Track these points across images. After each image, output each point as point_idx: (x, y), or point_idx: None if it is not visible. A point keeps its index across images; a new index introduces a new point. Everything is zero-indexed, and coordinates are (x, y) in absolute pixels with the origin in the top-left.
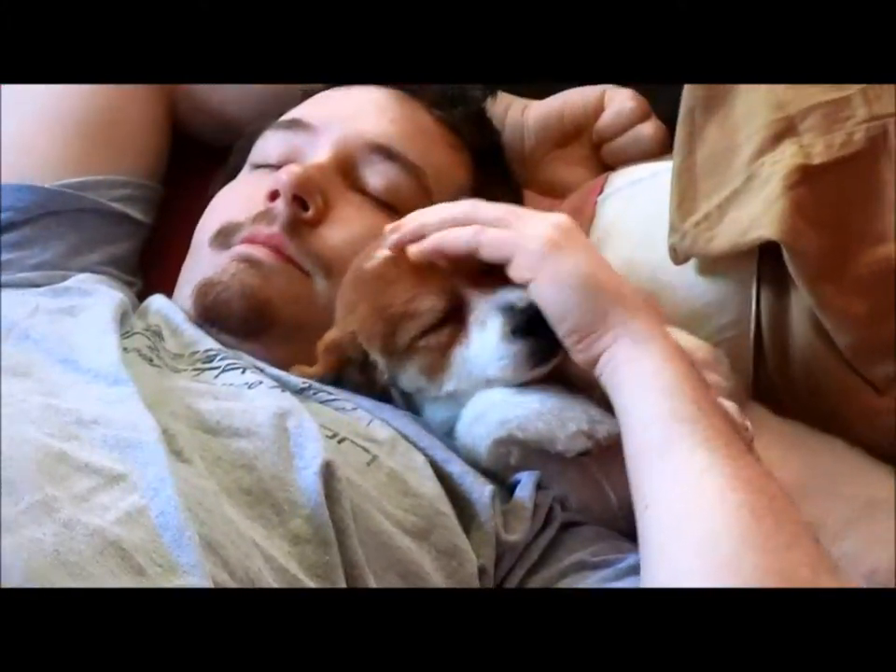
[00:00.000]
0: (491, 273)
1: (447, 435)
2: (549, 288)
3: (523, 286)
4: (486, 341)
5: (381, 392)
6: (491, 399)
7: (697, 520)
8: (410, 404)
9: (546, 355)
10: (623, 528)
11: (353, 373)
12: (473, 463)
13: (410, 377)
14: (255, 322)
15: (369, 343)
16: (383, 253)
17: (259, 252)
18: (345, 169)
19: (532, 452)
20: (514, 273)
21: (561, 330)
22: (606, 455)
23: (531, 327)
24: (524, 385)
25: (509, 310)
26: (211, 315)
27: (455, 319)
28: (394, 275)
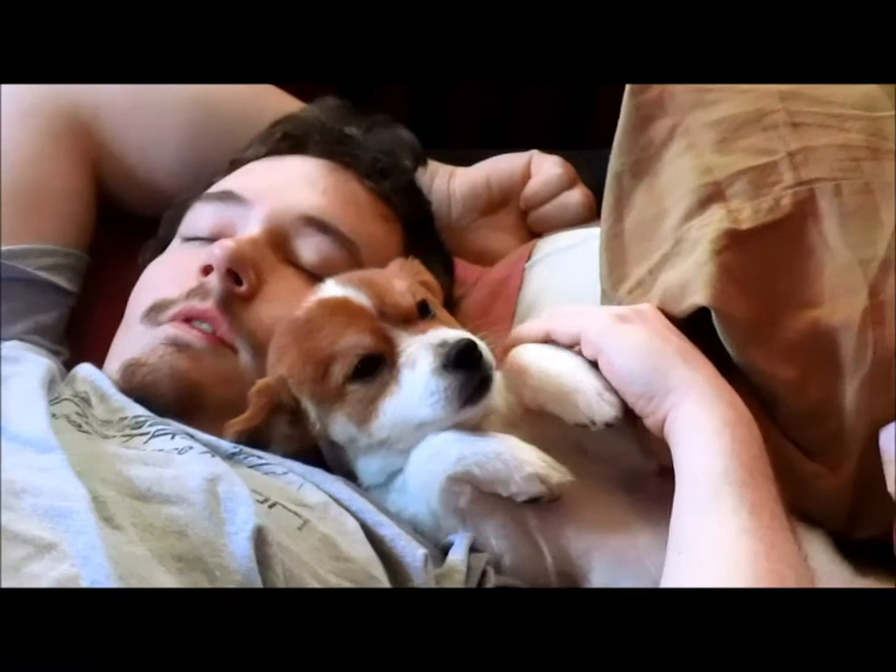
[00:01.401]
0: (425, 319)
1: (382, 486)
2: (616, 356)
3: (456, 327)
4: (417, 378)
5: (311, 448)
6: (447, 437)
7: (725, 575)
8: (342, 459)
9: (478, 390)
10: None
11: (283, 426)
12: (412, 517)
13: (340, 425)
14: (184, 404)
15: (299, 388)
16: (311, 300)
17: (188, 334)
18: (278, 242)
19: (480, 497)
20: (585, 348)
21: (629, 397)
22: (546, 514)
23: (462, 361)
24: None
25: (440, 346)
26: (138, 395)
27: (386, 365)
28: (322, 321)
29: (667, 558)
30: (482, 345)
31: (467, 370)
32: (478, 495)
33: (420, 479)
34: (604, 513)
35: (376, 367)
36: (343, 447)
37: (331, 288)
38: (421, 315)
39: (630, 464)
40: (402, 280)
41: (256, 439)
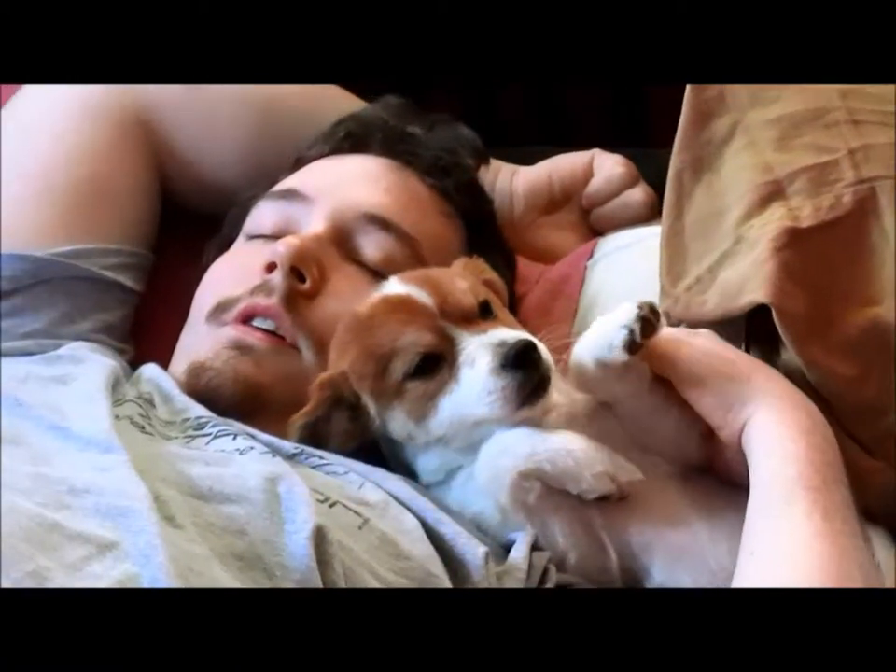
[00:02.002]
0: (485, 318)
1: (442, 483)
2: (687, 370)
3: (516, 327)
4: (475, 377)
5: (370, 445)
6: (519, 433)
7: (797, 576)
8: (400, 456)
9: (535, 390)
10: None
11: (343, 421)
12: (477, 514)
13: (399, 422)
14: (247, 406)
15: (359, 384)
16: (374, 297)
17: (250, 337)
18: (341, 240)
19: (548, 494)
20: (653, 364)
21: (704, 408)
22: (611, 510)
23: (520, 362)
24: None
25: (499, 346)
26: (203, 399)
27: (445, 363)
28: (384, 318)
29: (739, 559)
30: (540, 346)
31: (525, 370)
32: (546, 492)
33: (489, 474)
34: (664, 508)
35: (436, 365)
36: (402, 444)
37: (394, 286)
38: (482, 314)
39: (685, 461)
40: (464, 279)
41: (317, 433)
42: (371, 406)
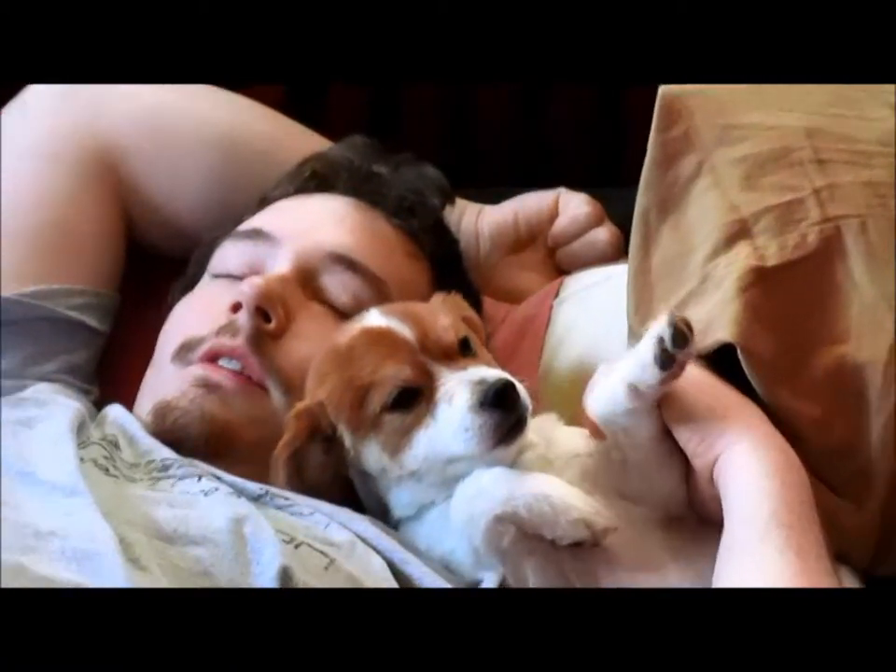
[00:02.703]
0: (465, 356)
1: (413, 518)
2: (672, 395)
3: (494, 366)
4: (453, 414)
5: (342, 478)
6: (495, 475)
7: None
8: (373, 490)
9: (512, 430)
10: None
11: (317, 453)
12: (448, 552)
13: (374, 455)
14: (214, 446)
15: (336, 414)
16: (354, 328)
17: (217, 375)
18: (306, 280)
19: (522, 538)
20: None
21: (682, 434)
22: (584, 557)
23: (499, 401)
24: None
25: (478, 384)
26: (169, 438)
27: (423, 398)
28: (364, 349)
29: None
30: (519, 387)
31: (503, 409)
32: (521, 535)
33: (465, 515)
34: (636, 552)
35: (414, 399)
36: (375, 478)
37: (375, 318)
38: (462, 351)
39: (667, 505)
40: (446, 316)
41: (296, 464)
42: (347, 438)
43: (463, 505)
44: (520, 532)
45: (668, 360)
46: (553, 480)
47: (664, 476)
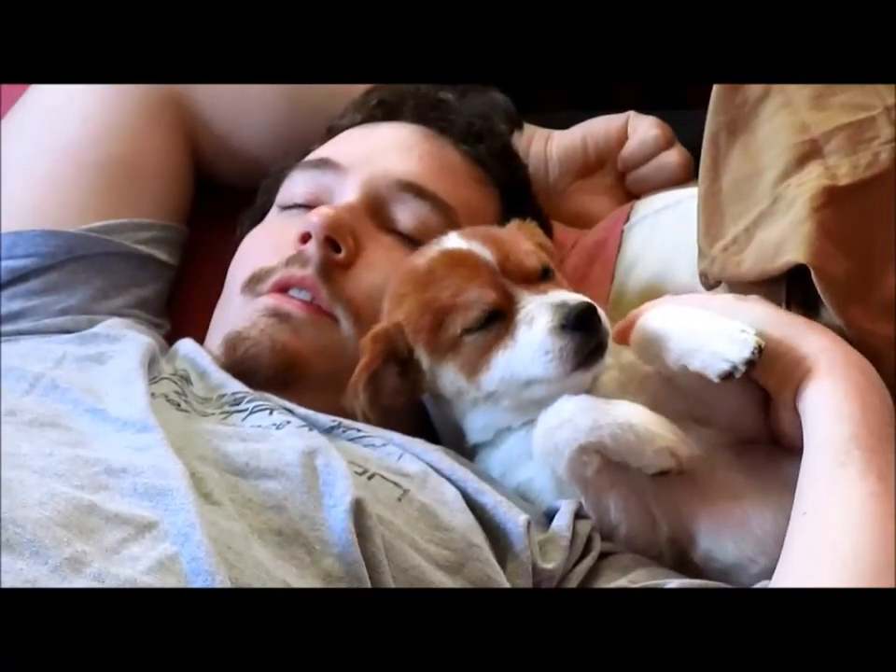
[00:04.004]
0: (545, 278)
1: (489, 443)
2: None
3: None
4: (533, 336)
5: (416, 404)
6: (579, 403)
7: (850, 535)
8: (448, 415)
9: (592, 354)
10: (667, 564)
11: (392, 376)
12: (526, 481)
13: (450, 376)
14: (285, 376)
15: (414, 337)
16: (433, 250)
17: (287, 305)
18: (375, 209)
19: (605, 468)
20: None
21: (759, 371)
22: (665, 484)
23: (580, 324)
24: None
25: (559, 307)
26: (240, 369)
27: (503, 321)
28: (444, 271)
29: (791, 521)
30: (600, 311)
31: (584, 332)
32: (604, 465)
33: (548, 445)
34: (712, 477)
35: (494, 321)
36: (451, 401)
37: (455, 241)
38: (542, 277)
39: (740, 430)
40: (527, 241)
41: (374, 388)
42: (424, 360)
43: (546, 434)
44: (603, 462)
45: (729, 375)
46: (636, 408)
47: (721, 398)
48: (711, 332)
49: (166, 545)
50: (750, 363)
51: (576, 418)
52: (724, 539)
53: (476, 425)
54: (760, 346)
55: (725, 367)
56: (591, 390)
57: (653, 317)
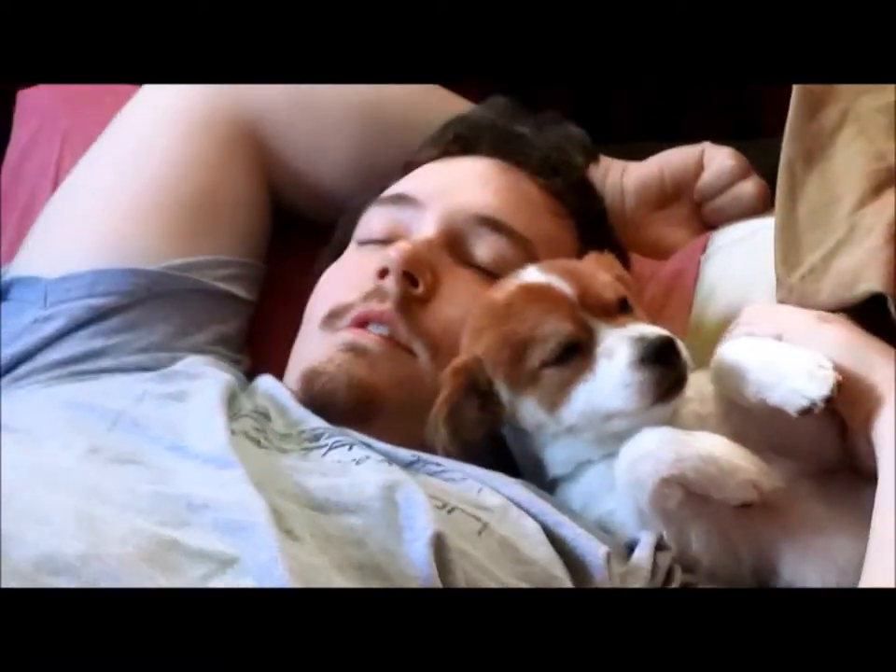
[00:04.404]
0: (623, 311)
1: (570, 477)
2: (821, 352)
3: (653, 322)
4: (613, 369)
5: (496, 437)
6: (661, 435)
7: None
8: (528, 448)
9: (672, 387)
10: None
11: (473, 409)
12: (607, 513)
13: (530, 409)
14: (362, 410)
15: (494, 370)
16: (512, 284)
17: (364, 339)
18: (453, 243)
19: (688, 501)
20: None
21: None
22: (748, 515)
23: (660, 357)
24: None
25: (639, 340)
26: (318, 404)
27: (582, 354)
28: (522, 304)
29: (868, 551)
30: (680, 344)
31: (663, 366)
32: (686, 497)
33: (631, 477)
34: (793, 507)
35: (573, 354)
36: (531, 434)
37: (533, 274)
38: (620, 309)
39: (820, 460)
40: (604, 274)
41: (455, 421)
42: (504, 393)
43: (629, 467)
44: (686, 494)
45: (808, 411)
46: (718, 439)
47: (798, 427)
48: (790, 367)
49: (248, 580)
50: (828, 399)
51: (658, 451)
52: (807, 569)
53: (556, 458)
54: (838, 382)
55: (804, 403)
56: (671, 422)
57: (732, 348)
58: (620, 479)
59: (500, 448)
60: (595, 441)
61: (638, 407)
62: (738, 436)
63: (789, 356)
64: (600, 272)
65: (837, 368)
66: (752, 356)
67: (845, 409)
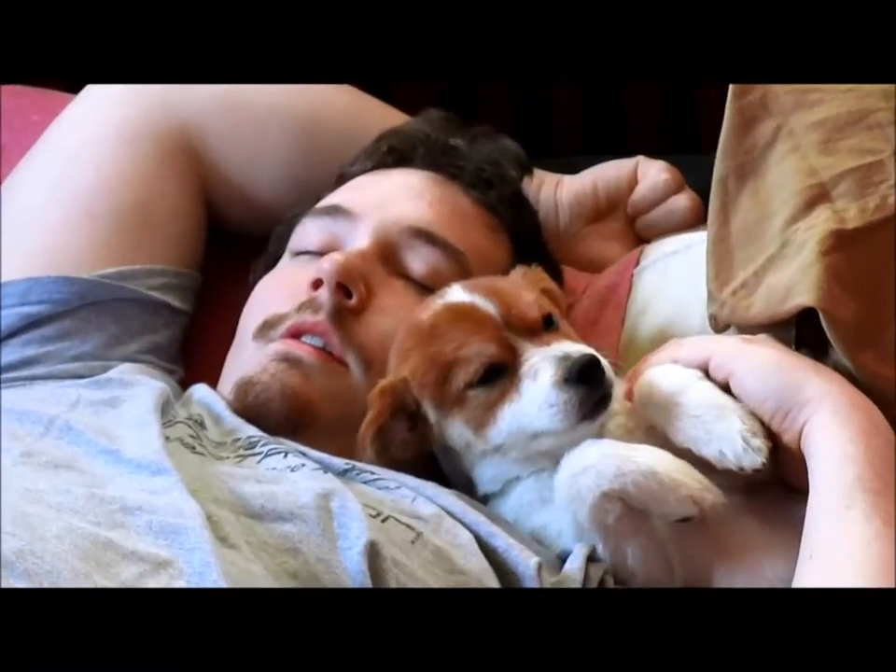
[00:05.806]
0: (548, 331)
1: (499, 494)
2: (748, 375)
3: (577, 340)
4: (537, 389)
5: (426, 453)
6: (602, 449)
7: (857, 580)
8: (458, 466)
9: (597, 405)
10: None
11: (401, 430)
12: (541, 527)
13: (458, 430)
14: (295, 420)
15: (420, 391)
16: (437, 304)
17: (298, 350)
18: (387, 255)
19: (626, 515)
20: (714, 372)
21: (765, 413)
22: (682, 530)
23: (584, 376)
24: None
25: (563, 359)
26: (252, 414)
27: (507, 374)
28: (447, 325)
29: (798, 563)
30: (604, 362)
31: (588, 385)
32: (625, 512)
33: (571, 491)
34: (725, 522)
35: (498, 375)
36: (460, 454)
37: (458, 294)
38: (545, 327)
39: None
40: (530, 291)
41: (382, 441)
42: (431, 414)
43: (569, 480)
44: (625, 509)
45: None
46: (660, 454)
47: None
48: (721, 431)
49: (181, 583)
50: (757, 471)
51: (599, 464)
52: (737, 583)
53: (485, 476)
54: (770, 451)
55: (734, 467)
56: (599, 436)
57: (658, 382)
58: (559, 492)
59: (432, 465)
60: (524, 460)
61: (564, 426)
62: (665, 449)
63: (718, 413)
64: (525, 289)
65: (768, 389)
66: (680, 398)
67: (776, 423)
